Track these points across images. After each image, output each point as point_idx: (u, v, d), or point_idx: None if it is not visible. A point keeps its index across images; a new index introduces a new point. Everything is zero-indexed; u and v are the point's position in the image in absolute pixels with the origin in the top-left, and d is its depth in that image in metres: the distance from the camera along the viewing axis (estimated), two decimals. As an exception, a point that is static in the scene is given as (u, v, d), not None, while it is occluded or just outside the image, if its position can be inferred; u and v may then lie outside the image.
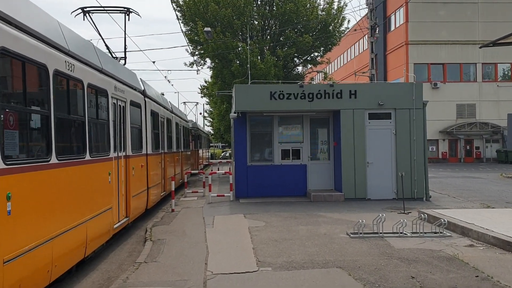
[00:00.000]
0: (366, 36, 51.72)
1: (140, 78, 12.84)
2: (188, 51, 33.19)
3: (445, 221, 8.63)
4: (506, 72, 44.07)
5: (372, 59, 19.76)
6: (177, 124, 19.05)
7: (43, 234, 5.42)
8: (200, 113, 65.70)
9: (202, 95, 46.01)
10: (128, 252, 8.72)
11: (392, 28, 46.21)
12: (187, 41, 29.28)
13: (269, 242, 8.50)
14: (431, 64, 43.10)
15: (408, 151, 14.25)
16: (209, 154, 50.45)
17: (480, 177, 24.20)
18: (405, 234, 8.82)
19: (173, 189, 13.37)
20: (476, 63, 43.38)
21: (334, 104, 14.26)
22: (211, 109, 47.70)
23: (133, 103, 10.70)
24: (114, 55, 13.09)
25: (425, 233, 8.83)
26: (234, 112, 14.45)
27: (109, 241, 9.03)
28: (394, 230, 8.96)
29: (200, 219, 11.39)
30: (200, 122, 54.99)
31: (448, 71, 43.33)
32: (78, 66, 6.92)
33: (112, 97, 8.84)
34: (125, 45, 13.52)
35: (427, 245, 8.15)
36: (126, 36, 13.67)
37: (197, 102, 50.14)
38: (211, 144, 58.19)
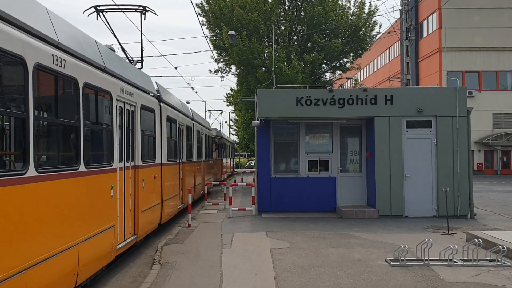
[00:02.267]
0: (398, 42, 50.16)
1: (156, 82, 11.87)
2: (213, 58, 32.41)
3: (504, 247, 7.23)
4: (546, 80, 41.70)
5: (407, 63, 18.36)
6: (198, 132, 18.05)
7: (12, 266, 4.36)
8: (226, 122, 64.77)
9: (228, 103, 45.21)
10: (132, 277, 7.63)
11: (425, 34, 44.48)
12: (211, 48, 28.42)
13: (294, 270, 7.27)
14: (466, 71, 41.13)
15: (450, 163, 12.79)
16: (234, 163, 49.46)
17: (524, 191, 22.31)
18: (455, 262, 7.45)
19: (190, 202, 12.28)
20: (515, 70, 41.26)
21: (368, 111, 12.96)
22: (236, 118, 46.79)
23: (145, 108, 9.70)
24: (130, 58, 12.23)
25: (479, 261, 7.44)
26: (257, 119, 13.30)
27: (113, 262, 7.99)
28: (442, 257, 7.61)
29: (218, 237, 10.24)
30: (225, 131, 54.04)
31: (484, 79, 41.33)
32: (71, 61, 5.90)
33: (117, 100, 7.83)
34: (141, 46, 12.65)
35: (485, 278, 6.77)
36: (143, 37, 12.76)
37: (222, 111, 49.13)
38: (236, 153, 57.25)
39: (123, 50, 12.21)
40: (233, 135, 56.79)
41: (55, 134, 5.69)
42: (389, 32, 30.48)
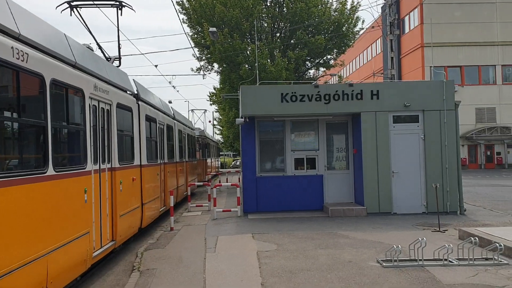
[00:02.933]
0: (380, 38, 50.17)
1: (134, 80, 11.37)
2: (194, 56, 31.86)
3: (501, 245, 6.93)
4: (527, 75, 42.07)
5: (391, 58, 18.10)
6: (180, 131, 17.53)
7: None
8: (209, 121, 64.15)
9: (211, 102, 44.65)
10: (110, 286, 7.14)
11: (407, 30, 44.54)
12: (193, 45, 27.88)
13: (282, 274, 6.86)
14: (448, 67, 41.28)
15: (439, 158, 12.53)
16: (219, 163, 48.91)
17: (509, 185, 22.30)
18: (451, 261, 7.12)
19: (172, 204, 11.78)
20: (495, 65, 41.57)
21: (354, 107, 12.62)
22: (220, 117, 46.23)
23: (122, 106, 9.19)
24: (107, 56, 11.71)
25: (475, 260, 7.12)
26: (241, 117, 12.87)
27: (90, 270, 7.49)
28: (436, 257, 7.28)
29: (201, 241, 9.79)
30: (209, 131, 53.47)
31: (466, 74, 41.58)
32: (36, 56, 5.40)
33: (91, 98, 7.32)
34: (118, 43, 12.08)
35: (483, 278, 6.45)
36: (122, 35, 12.22)
37: (205, 110, 48.54)
38: (221, 153, 56.70)
39: (100, 47, 11.69)
40: (218, 134, 56.25)
41: (18, 135, 5.19)
42: (372, 27, 30.30)
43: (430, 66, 40.19)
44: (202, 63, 30.65)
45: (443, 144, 12.53)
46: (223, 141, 52.56)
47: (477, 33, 40.59)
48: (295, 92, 12.53)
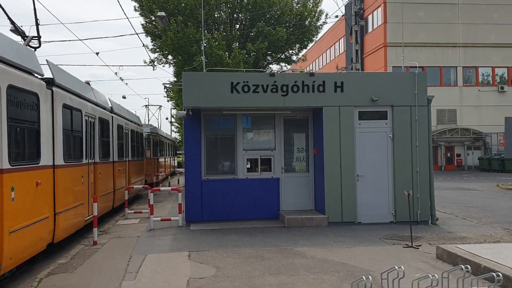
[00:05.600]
0: (344, 37, 49.27)
1: (48, 60, 9.31)
2: (147, 48, 29.61)
3: (499, 275, 5.35)
4: (485, 77, 42.03)
5: (356, 50, 16.66)
6: (120, 127, 15.42)
7: None
8: (166, 118, 61.62)
9: (168, 98, 42.38)
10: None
11: (370, 29, 43.72)
12: (137, 32, 25.67)
13: (214, 318, 5.05)
14: (410, 67, 40.62)
15: (409, 160, 11.04)
16: (176, 162, 46.59)
17: (475, 188, 21.36)
18: (435, 297, 5.48)
19: (95, 213, 9.71)
20: (456, 67, 41.30)
21: (315, 100, 10.96)
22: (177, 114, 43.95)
23: (23, 91, 7.15)
24: (23, 33, 9.72)
25: (464, 292, 5.52)
26: (184, 109, 10.95)
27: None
28: (415, 288, 5.63)
29: (124, 261, 7.84)
30: (167, 129, 50.98)
31: (428, 75, 41.06)
32: None
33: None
34: (36, 17, 9.89)
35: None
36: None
37: (160, 105, 45.99)
38: (178, 152, 54.32)
39: (14, 25, 9.70)
40: (175, 132, 53.86)
41: None
42: (336, 16, 28.96)
43: (393, 66, 39.44)
44: (156, 55, 28.52)
45: (413, 145, 11.05)
46: (180, 139, 50.28)
47: (440, 34, 40.19)
48: (247, 82, 10.73)
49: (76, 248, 9.25)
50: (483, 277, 5.60)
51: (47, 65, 9.06)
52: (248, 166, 11.77)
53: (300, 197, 11.86)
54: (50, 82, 8.71)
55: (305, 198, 11.89)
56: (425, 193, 11.02)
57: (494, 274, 5.33)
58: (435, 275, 5.31)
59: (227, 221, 11.27)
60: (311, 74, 10.90)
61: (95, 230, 9.58)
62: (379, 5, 41.16)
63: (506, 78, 41.67)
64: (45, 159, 8.09)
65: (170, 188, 12.35)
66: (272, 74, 10.90)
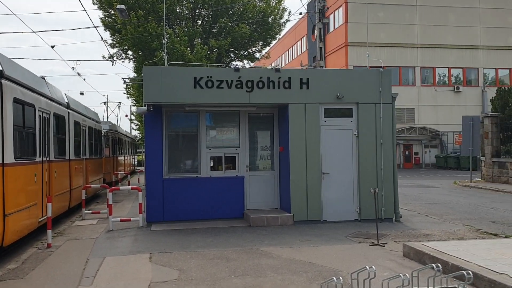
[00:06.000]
0: (305, 37, 49.56)
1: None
2: (106, 42, 28.70)
3: (469, 273, 5.29)
4: (442, 77, 43.29)
5: (320, 48, 16.60)
6: (77, 123, 14.74)
7: None
8: (126, 115, 60.15)
9: (128, 95, 41.30)
10: None
11: (331, 29, 44.13)
12: (95, 25, 24.82)
13: (178, 326, 4.73)
14: (371, 67, 41.29)
15: (373, 158, 11.03)
16: (136, 161, 45.53)
17: (434, 185, 21.85)
18: (405, 296, 5.37)
19: (49, 214, 9.15)
20: (415, 67, 42.31)
21: (281, 97, 10.76)
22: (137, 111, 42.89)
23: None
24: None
25: (435, 291, 5.44)
26: (144, 105, 10.50)
27: None
28: (385, 288, 5.51)
29: (81, 265, 7.37)
30: (127, 126, 49.74)
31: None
32: None
33: None
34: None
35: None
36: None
37: (120, 102, 44.74)
38: (139, 150, 53.15)
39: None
40: (135, 129, 52.68)
41: None
42: (300, 13, 28.99)
43: (354, 66, 39.93)
44: (115, 50, 27.63)
45: (378, 142, 11.06)
46: (140, 137, 49.21)
47: (399, 34, 41.05)
48: (211, 77, 10.40)
49: (28, 251, 8.67)
50: (452, 276, 5.53)
51: (-3, 55, 8.44)
52: (212, 164, 11.46)
53: (265, 195, 11.65)
54: (-3, 73, 8.12)
55: (270, 197, 11.70)
56: (389, 191, 11.05)
57: (464, 272, 5.26)
58: (406, 274, 5.19)
59: (190, 221, 10.92)
60: (277, 70, 10.69)
61: (49, 232, 9.02)
62: (341, 5, 41.58)
63: (461, 79, 43.02)
64: (-8, 157, 7.52)
65: (130, 187, 11.85)
66: (237, 69, 10.61)
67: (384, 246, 8.38)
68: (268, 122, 11.86)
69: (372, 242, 8.62)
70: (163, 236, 9.52)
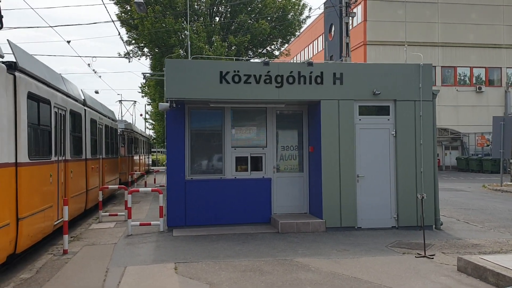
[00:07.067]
0: (322, 35, 48.60)
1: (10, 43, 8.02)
2: (122, 39, 28.16)
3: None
4: (462, 77, 42.08)
5: (347, 43, 15.80)
6: (94, 121, 14.12)
7: None
8: (141, 114, 59.72)
9: (143, 94, 40.85)
10: None
11: (349, 27, 43.07)
12: (115, 20, 24.24)
13: None
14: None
15: (412, 160, 10.19)
16: (150, 161, 45.04)
17: (462, 189, 20.86)
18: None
19: (65, 218, 8.49)
20: (435, 66, 41.12)
21: (312, 93, 9.98)
22: (152, 109, 42.41)
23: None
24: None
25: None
26: (166, 101, 9.79)
27: None
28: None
29: (101, 274, 6.68)
30: (141, 125, 49.29)
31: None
32: None
33: None
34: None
35: None
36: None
37: (135, 101, 44.32)
38: (153, 150, 52.71)
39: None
40: (150, 129, 52.22)
41: None
42: (326, 8, 28.09)
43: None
44: (131, 47, 27.10)
45: (417, 143, 10.21)
46: (155, 136, 48.74)
47: (419, 33, 39.97)
48: (238, 71, 9.66)
49: (43, 258, 8.02)
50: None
51: (9, 46, 7.80)
52: (236, 164, 10.71)
53: (293, 199, 10.88)
54: (12, 66, 7.49)
55: (299, 201, 10.92)
56: (429, 196, 10.14)
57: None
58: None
59: (213, 226, 10.19)
60: (309, 64, 9.90)
61: (66, 237, 8.35)
62: (360, 2, 40.65)
63: (483, 79, 41.78)
64: (5, 156, 6.87)
65: (150, 189, 11.16)
66: (266, 63, 9.83)
67: (432, 258, 7.56)
68: (297, 120, 11.09)
69: (418, 254, 7.80)
70: (186, 243, 8.79)
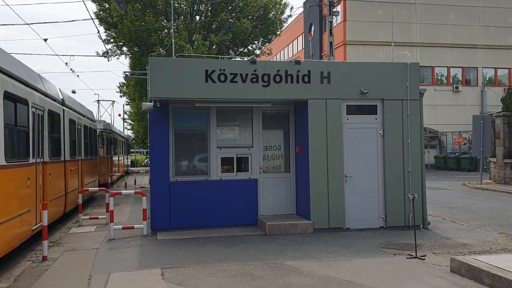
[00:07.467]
0: (302, 35, 48.67)
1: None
2: (100, 38, 27.55)
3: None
4: (440, 77, 42.66)
5: (331, 42, 15.69)
6: (73, 121, 13.68)
7: None
8: (119, 114, 58.82)
9: (122, 94, 40.12)
10: None
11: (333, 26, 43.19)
12: (93, 17, 23.64)
13: None
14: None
15: (400, 159, 10.12)
16: (129, 161, 44.31)
17: (443, 187, 21.04)
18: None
19: (45, 223, 8.09)
20: (412, 66, 41.53)
21: (299, 92, 9.80)
22: (131, 109, 41.69)
23: None
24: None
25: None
26: (149, 100, 9.47)
27: None
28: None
29: (82, 284, 6.35)
30: (120, 125, 48.46)
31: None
32: None
33: None
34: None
35: None
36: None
37: (114, 101, 43.51)
38: (132, 150, 51.92)
39: None
40: (128, 129, 51.44)
41: None
42: (309, 6, 28.04)
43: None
44: (109, 46, 26.49)
45: (405, 142, 10.14)
46: (134, 136, 48.02)
47: (397, 33, 40.31)
48: (224, 70, 9.41)
49: (21, 265, 7.63)
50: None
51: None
52: (222, 165, 10.46)
53: (280, 200, 10.69)
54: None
55: (286, 202, 10.73)
56: (417, 195, 10.10)
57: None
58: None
59: (199, 229, 9.93)
60: (297, 62, 9.72)
61: (45, 243, 7.98)
62: (338, 3, 40.77)
63: (460, 78, 42.43)
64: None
65: (133, 191, 10.82)
66: (253, 61, 9.60)
67: (423, 259, 7.46)
68: (283, 120, 10.90)
69: (409, 255, 7.69)
70: (172, 246, 8.51)
